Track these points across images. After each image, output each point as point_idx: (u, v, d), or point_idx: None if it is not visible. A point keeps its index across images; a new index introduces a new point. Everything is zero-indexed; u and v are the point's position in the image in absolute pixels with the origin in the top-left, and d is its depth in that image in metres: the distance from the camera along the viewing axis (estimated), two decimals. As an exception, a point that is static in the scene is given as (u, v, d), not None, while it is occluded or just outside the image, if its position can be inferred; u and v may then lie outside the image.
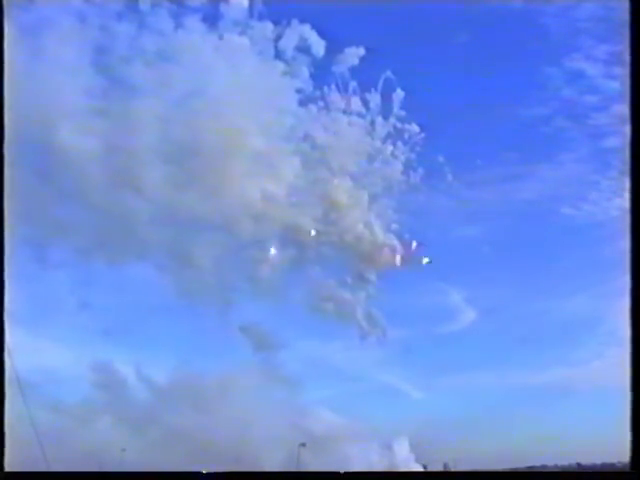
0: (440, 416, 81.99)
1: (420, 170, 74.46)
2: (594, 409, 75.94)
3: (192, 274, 73.05)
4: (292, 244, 74.55)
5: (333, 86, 72.11)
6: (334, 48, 70.96)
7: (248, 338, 73.84)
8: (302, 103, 72.55)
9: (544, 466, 74.16)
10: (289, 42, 70.57)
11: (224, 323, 73.00)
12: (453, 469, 69.35)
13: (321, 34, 70.14)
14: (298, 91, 72.17)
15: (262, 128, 71.70)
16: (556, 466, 75.33)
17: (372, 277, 75.40)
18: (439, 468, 70.56)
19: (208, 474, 23.50)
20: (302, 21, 69.93)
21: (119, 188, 70.85)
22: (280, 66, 71.07)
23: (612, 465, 60.91)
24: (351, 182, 74.13)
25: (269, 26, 70.15)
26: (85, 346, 74.54)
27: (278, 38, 70.44)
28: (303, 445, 67.32)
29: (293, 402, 75.05)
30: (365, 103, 72.75)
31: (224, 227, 73.58)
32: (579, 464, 77.78)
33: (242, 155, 71.97)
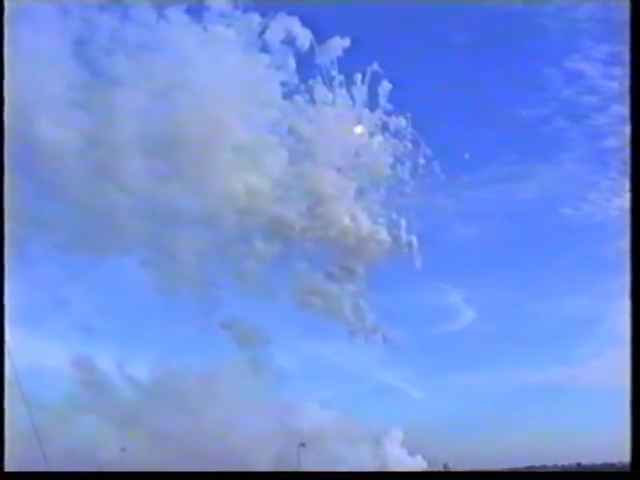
0: (439, 416, 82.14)
1: (408, 164, 74.00)
2: (594, 409, 76.05)
3: (175, 269, 72.27)
4: (278, 238, 73.89)
5: (319, 79, 71.60)
6: (320, 41, 70.54)
7: (233, 334, 73.33)
8: (287, 96, 72.05)
9: (544, 466, 74.10)
10: (275, 34, 69.77)
11: (208, 319, 72.48)
12: (453, 469, 69.29)
13: (307, 26, 69.81)
14: (283, 84, 71.64)
15: (246, 121, 71.03)
16: (556, 466, 75.31)
17: (359, 271, 74.64)
18: (439, 468, 70.56)
19: (207, 474, 23.42)
20: (288, 13, 69.51)
21: (101, 182, 69.77)
22: (266, 58, 70.40)
23: (612, 465, 60.87)
24: (337, 176, 73.40)
25: (255, 18, 69.56)
26: (67, 343, 73.59)
27: (264, 30, 69.80)
28: (303, 445, 66.91)
29: (281, 400, 74.82)
30: (352, 96, 72.08)
31: (208, 221, 73.00)
32: (579, 464, 77.69)
33: (226, 148, 71.16)
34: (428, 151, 73.83)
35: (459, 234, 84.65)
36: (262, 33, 69.73)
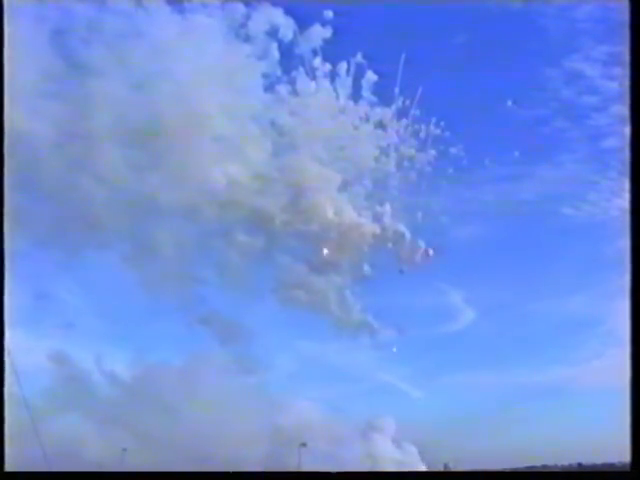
0: (439, 416, 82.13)
1: (394, 156, 71.83)
2: (594, 409, 76.09)
3: (156, 264, 70.15)
4: (260, 232, 71.82)
5: (302, 70, 69.42)
6: (303, 31, 68.56)
7: (215, 330, 71.41)
8: (270, 87, 70.23)
9: (544, 466, 74.15)
10: (258, 25, 68.03)
11: (190, 314, 70.64)
12: (453, 469, 69.29)
13: (290, 17, 68.08)
14: (266, 75, 69.80)
15: (227, 112, 69.21)
16: (556, 466, 75.37)
17: (341, 265, 72.61)
18: (439, 468, 70.55)
19: (206, 474, 23.41)
20: (272, 4, 67.72)
21: (79, 175, 67.64)
22: (248, 49, 68.69)
23: (612, 465, 60.88)
24: (321, 168, 71.17)
25: (237, 8, 67.89)
26: (46, 339, 72.20)
27: (246, 21, 68.12)
28: (304, 445, 66.49)
29: (267, 398, 72.69)
30: (335, 87, 69.82)
31: (188, 214, 70.77)
32: (579, 464, 77.74)
33: (208, 140, 69.38)
34: (415, 144, 72.51)
35: (458, 233, 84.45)
36: (244, 23, 68.08)
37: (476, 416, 79.81)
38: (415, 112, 71.29)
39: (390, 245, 73.08)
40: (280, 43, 69.04)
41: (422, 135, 71.59)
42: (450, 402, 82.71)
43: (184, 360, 73.44)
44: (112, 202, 68.92)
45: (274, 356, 78.88)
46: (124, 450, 64.42)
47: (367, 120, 71.27)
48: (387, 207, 72.76)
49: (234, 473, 22.10)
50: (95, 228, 69.55)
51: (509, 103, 73.70)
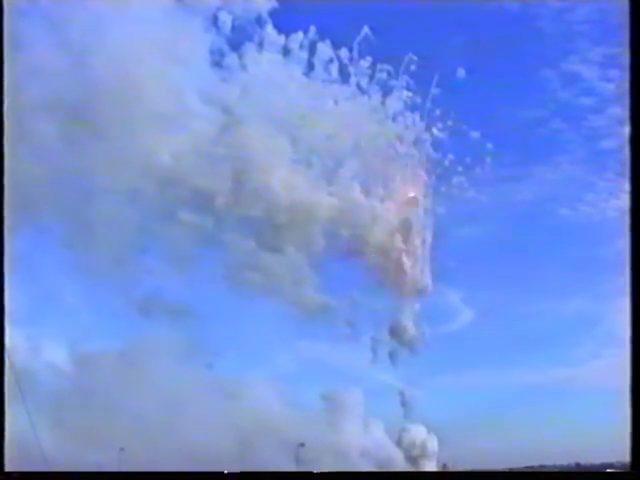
0: (437, 416, 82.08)
1: (352, 135, 69.55)
2: (593, 409, 76.16)
3: (94, 246, 66.80)
4: (206, 212, 68.83)
5: (253, 44, 66.89)
6: (254, 3, 66.24)
7: (160, 316, 68.89)
8: (217, 61, 67.47)
9: (543, 466, 74.25)
10: None
11: (134, 299, 68.47)
12: (452, 469, 69.34)
13: None
14: (215, 50, 67.16)
15: (172, 87, 66.31)
16: (555, 466, 75.47)
17: (287, 246, 69.87)
18: (437, 468, 70.58)
19: (205, 474, 23.48)
20: None
21: (10, 151, 65.66)
22: (196, 22, 65.61)
23: (612, 465, 61.02)
24: (271, 146, 68.37)
25: None
26: None
27: None
28: (302, 445, 66.12)
29: (220, 389, 69.96)
30: (288, 63, 67.55)
31: (128, 193, 67.38)
32: (578, 464, 77.93)
33: (150, 115, 66.10)
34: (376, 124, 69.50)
35: (457, 234, 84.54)
36: None
37: (474, 416, 79.86)
38: (382, 97, 69.25)
39: (344, 230, 71.38)
40: (231, 16, 66.47)
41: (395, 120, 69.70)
42: (448, 402, 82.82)
43: (128, 349, 69.58)
44: (47, 181, 65.33)
45: (227, 342, 74.97)
46: (122, 449, 63.05)
47: (322, 97, 69.13)
48: (340, 186, 70.47)
49: (234, 473, 22.15)
50: (28, 209, 64.37)
51: (461, 73, 71.87)
